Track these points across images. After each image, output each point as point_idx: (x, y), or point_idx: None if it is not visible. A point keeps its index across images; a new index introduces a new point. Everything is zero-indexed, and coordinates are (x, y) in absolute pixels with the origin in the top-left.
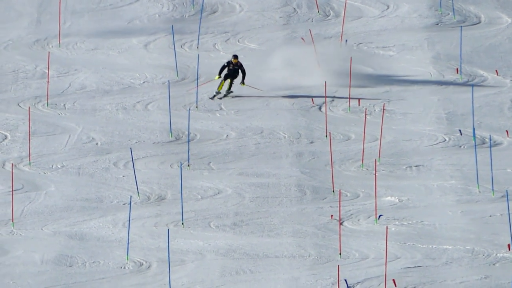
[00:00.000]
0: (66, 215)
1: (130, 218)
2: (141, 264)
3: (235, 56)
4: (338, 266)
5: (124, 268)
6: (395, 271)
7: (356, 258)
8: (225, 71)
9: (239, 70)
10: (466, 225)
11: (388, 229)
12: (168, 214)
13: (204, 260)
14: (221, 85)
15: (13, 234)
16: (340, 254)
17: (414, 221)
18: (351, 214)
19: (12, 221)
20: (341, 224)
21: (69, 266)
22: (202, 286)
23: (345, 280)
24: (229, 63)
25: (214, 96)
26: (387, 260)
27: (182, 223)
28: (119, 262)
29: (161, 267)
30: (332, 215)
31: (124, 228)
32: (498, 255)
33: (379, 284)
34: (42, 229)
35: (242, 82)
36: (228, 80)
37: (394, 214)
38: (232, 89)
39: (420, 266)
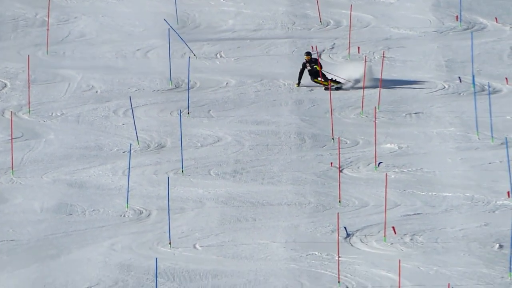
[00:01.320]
0: (66, 163)
1: (130, 166)
2: (141, 212)
3: (308, 53)
4: (338, 213)
5: (124, 216)
6: (394, 218)
7: (355, 206)
8: (306, 73)
9: (315, 65)
10: (465, 172)
11: (387, 176)
12: (168, 162)
13: (203, 208)
14: (318, 82)
15: (12, 182)
16: (339, 201)
17: (413, 168)
18: (350, 162)
19: (12, 169)
20: (340, 171)
21: (69, 214)
22: (202, 234)
23: (345, 228)
24: (304, 64)
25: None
26: (386, 208)
27: (182, 171)
28: (118, 210)
29: (161, 215)
30: (331, 163)
31: (124, 176)
32: (498, 202)
33: (379, 232)
34: (41, 177)
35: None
36: (321, 79)
37: (393, 161)
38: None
39: (419, 214)
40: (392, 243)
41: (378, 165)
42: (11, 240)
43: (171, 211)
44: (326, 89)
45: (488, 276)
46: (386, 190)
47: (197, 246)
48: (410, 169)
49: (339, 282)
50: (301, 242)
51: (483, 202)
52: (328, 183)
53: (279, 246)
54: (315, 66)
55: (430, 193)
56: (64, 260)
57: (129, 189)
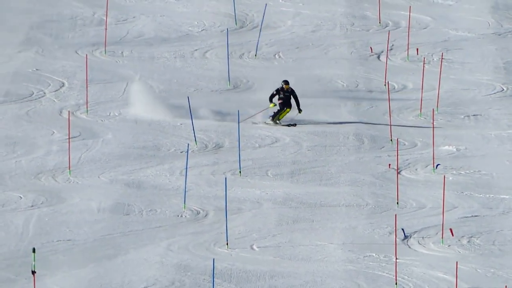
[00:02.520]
0: (123, 163)
1: (188, 166)
2: (198, 213)
3: (286, 82)
4: (396, 215)
5: (181, 216)
6: (452, 220)
7: (413, 207)
8: (276, 98)
9: (291, 97)
10: None
11: (445, 178)
12: (225, 162)
13: (261, 208)
14: (282, 114)
15: (70, 182)
16: (397, 203)
17: (471, 171)
18: (408, 163)
19: (69, 169)
20: (398, 173)
21: (126, 214)
22: (259, 235)
23: (402, 229)
24: (278, 90)
25: (272, 119)
26: (444, 210)
27: (240, 172)
28: (176, 210)
29: (218, 216)
30: (389, 164)
31: (181, 176)
32: None
33: (436, 233)
34: (99, 177)
35: (299, 110)
36: (286, 110)
37: (451, 163)
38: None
39: (477, 216)
40: (449, 245)
41: (436, 167)
42: (68, 240)
43: (228, 211)
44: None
45: None
46: (444, 192)
47: (254, 247)
48: (468, 171)
49: (396, 283)
50: (359, 243)
51: None
52: (386, 185)
53: (337, 248)
54: (290, 97)
55: (487, 195)
56: (120, 261)
57: (186, 190)
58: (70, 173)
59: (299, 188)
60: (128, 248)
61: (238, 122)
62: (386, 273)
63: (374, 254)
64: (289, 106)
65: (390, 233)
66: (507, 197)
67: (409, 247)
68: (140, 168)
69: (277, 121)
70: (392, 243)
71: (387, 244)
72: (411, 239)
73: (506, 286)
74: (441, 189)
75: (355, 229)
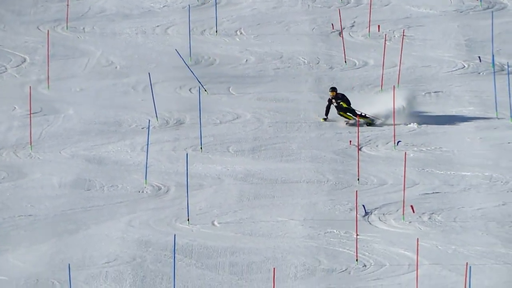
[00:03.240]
0: (85, 139)
1: (149, 142)
2: (159, 189)
3: (333, 89)
4: (356, 191)
5: (142, 192)
6: (413, 197)
7: (374, 184)
8: (332, 109)
9: (341, 102)
10: (484, 151)
11: (406, 155)
12: (186, 138)
13: (222, 184)
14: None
15: (31, 158)
16: (358, 179)
17: (432, 147)
18: (369, 140)
19: (30, 144)
20: (359, 149)
21: (87, 189)
22: (220, 211)
23: (363, 206)
24: (330, 100)
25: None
26: (405, 186)
27: (201, 148)
28: (137, 186)
29: (179, 191)
30: (350, 141)
31: (143, 152)
32: None
33: (397, 210)
34: (60, 153)
35: (360, 114)
36: (348, 115)
37: (412, 140)
38: (364, 118)
39: (438, 193)
40: (410, 222)
41: (397, 144)
42: (29, 215)
43: (189, 187)
44: (351, 124)
45: (506, 255)
46: (405, 168)
47: (215, 223)
48: (429, 148)
49: (357, 260)
50: (319, 219)
51: (502, 182)
52: (347, 161)
53: (297, 224)
54: (341, 102)
55: (448, 172)
56: (82, 236)
57: (147, 165)
58: (31, 149)
59: (260, 164)
60: (89, 223)
61: (199, 99)
62: (347, 250)
63: (335, 231)
64: (348, 110)
65: (351, 210)
66: (468, 174)
67: (370, 223)
68: (102, 143)
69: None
70: (353, 219)
71: (348, 221)
72: (372, 215)
73: (467, 263)
74: (402, 166)
75: (315, 205)
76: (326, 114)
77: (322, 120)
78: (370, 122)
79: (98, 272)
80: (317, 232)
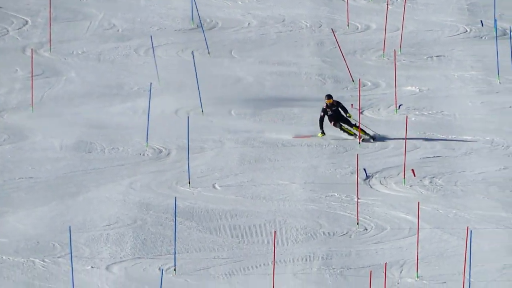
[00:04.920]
0: (86, 101)
1: (150, 105)
2: (161, 151)
3: (328, 96)
4: (358, 155)
5: (143, 155)
6: (414, 161)
7: (375, 148)
8: (326, 120)
9: (339, 108)
10: (486, 115)
11: (408, 119)
12: (188, 99)
13: (223, 148)
14: (351, 131)
15: (32, 120)
16: (359, 143)
17: (434, 111)
18: (371, 103)
19: (32, 106)
20: (361, 113)
21: (88, 152)
22: (221, 174)
23: (364, 169)
24: (324, 109)
25: (364, 140)
26: (406, 150)
27: (202, 111)
28: (138, 149)
29: (180, 154)
30: (352, 104)
31: (144, 115)
32: None
33: (398, 174)
34: (61, 115)
35: (348, 115)
36: (346, 126)
37: (414, 104)
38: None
39: (439, 156)
40: (411, 186)
41: (399, 108)
42: (30, 178)
43: (190, 150)
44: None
45: (507, 219)
46: (406, 132)
47: (216, 186)
48: (430, 112)
49: (357, 224)
50: (320, 183)
51: (503, 146)
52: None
53: (298, 187)
54: (339, 108)
55: (450, 136)
56: (82, 198)
57: (149, 128)
58: (33, 111)
59: (261, 127)
60: (90, 186)
61: (194, 62)
62: (348, 213)
63: (336, 194)
64: (343, 120)
65: (352, 173)
66: (469, 138)
67: (371, 187)
68: (103, 106)
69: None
70: (354, 183)
71: (349, 184)
72: (373, 179)
73: (467, 227)
74: (403, 130)
75: (316, 169)
76: (321, 127)
77: (320, 135)
78: (367, 138)
79: (99, 234)
80: (318, 196)
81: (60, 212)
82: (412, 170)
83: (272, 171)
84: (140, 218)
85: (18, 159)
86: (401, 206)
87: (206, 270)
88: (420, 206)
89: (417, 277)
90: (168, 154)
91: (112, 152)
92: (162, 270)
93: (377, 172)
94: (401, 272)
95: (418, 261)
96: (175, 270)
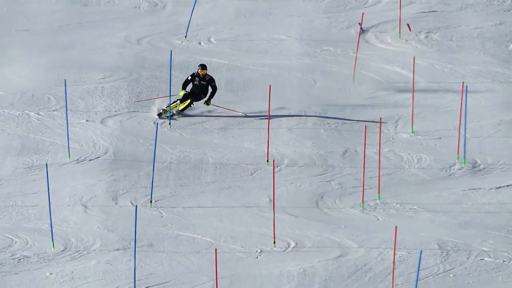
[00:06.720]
0: None
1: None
2: (156, 4)
3: (203, 66)
4: (357, 10)
5: (139, 8)
6: (409, 15)
7: (370, 2)
8: (190, 86)
9: (209, 86)
10: None
11: None
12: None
13: (219, 0)
14: (183, 105)
15: None
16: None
17: None
18: None
19: None
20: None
21: (84, 5)
22: (216, 27)
23: (359, 23)
24: (194, 76)
25: (160, 114)
26: (401, 4)
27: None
28: (134, 1)
29: (176, 7)
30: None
31: None
32: None
33: (394, 28)
34: None
35: (207, 102)
36: (187, 101)
37: None
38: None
39: (435, 11)
40: (406, 40)
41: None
42: (25, 30)
43: (185, 3)
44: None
45: (503, 75)
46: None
47: (211, 39)
48: None
49: (353, 79)
50: (316, 37)
51: (499, 1)
52: None
53: (294, 41)
54: (208, 86)
55: None
56: (78, 51)
57: None
58: None
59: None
60: (85, 38)
61: None
62: (343, 68)
63: (331, 48)
64: (198, 98)
65: (347, 27)
66: None
67: (367, 41)
68: None
69: (177, 112)
70: (349, 37)
71: (345, 39)
72: (368, 33)
73: (463, 83)
74: None
75: (312, 23)
76: (184, 88)
77: (182, 93)
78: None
79: (94, 87)
80: (313, 50)
81: (55, 65)
82: (408, 24)
83: (267, 24)
84: (136, 71)
85: (14, 11)
86: (396, 60)
87: (201, 124)
88: (415, 61)
89: (412, 132)
90: (164, 7)
91: (108, 4)
92: (157, 124)
93: (372, 26)
94: (396, 127)
95: (413, 116)
96: (169, 124)
